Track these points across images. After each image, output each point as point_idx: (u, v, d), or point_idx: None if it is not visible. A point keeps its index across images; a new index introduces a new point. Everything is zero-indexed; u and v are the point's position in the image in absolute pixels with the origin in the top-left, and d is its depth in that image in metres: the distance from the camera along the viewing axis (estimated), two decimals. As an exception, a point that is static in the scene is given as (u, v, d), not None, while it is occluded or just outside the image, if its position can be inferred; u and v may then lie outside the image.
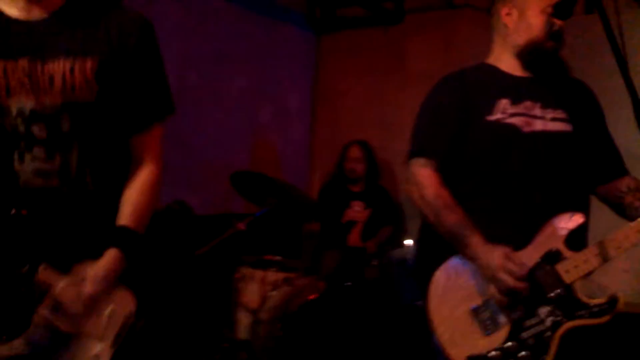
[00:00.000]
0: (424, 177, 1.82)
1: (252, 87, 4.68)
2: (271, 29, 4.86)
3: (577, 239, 1.74)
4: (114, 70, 1.49)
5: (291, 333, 2.71)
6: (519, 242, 1.73)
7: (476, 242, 1.70)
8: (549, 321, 1.67)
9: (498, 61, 1.93)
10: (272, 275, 3.14)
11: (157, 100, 1.60)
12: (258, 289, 3.12)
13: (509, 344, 1.67)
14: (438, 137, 1.87)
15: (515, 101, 1.84)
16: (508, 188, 1.80)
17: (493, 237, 1.72)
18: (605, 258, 1.67)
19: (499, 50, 1.94)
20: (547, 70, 1.90)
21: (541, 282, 1.69)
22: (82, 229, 1.49)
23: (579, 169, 1.84)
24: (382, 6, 4.87)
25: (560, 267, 1.69)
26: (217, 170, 4.14)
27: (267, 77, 4.82)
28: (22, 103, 1.44)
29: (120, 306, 1.46)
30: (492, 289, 1.68)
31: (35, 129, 1.45)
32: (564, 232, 1.72)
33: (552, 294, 1.68)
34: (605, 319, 1.66)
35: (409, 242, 3.51)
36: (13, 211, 1.41)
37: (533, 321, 1.68)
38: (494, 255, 1.66)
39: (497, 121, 1.82)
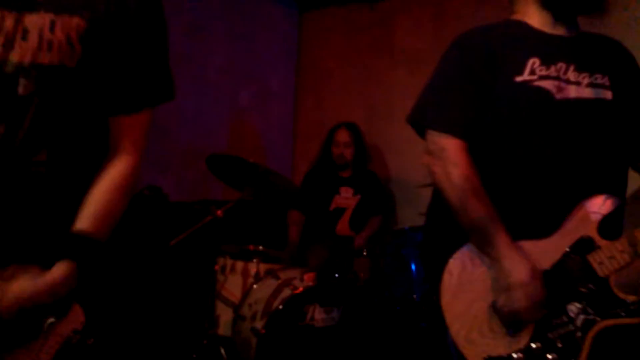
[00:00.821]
0: (452, 151, 1.56)
1: (232, 65, 4.43)
2: (252, 5, 4.60)
3: (612, 226, 1.52)
4: (106, 36, 1.22)
5: (275, 330, 2.47)
6: (546, 227, 1.50)
7: (503, 243, 1.46)
8: (580, 320, 1.45)
9: (525, 16, 1.67)
10: (255, 267, 2.91)
11: (154, 80, 1.33)
12: (240, 281, 2.90)
13: (534, 345, 1.46)
14: (464, 108, 1.59)
15: (546, 62, 1.58)
16: (535, 163, 1.54)
17: (517, 221, 1.50)
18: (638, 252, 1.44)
19: (523, 4, 1.68)
20: (578, 23, 1.65)
21: (571, 275, 1.47)
22: (23, 221, 1.21)
23: (617, 143, 1.60)
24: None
25: (593, 258, 1.47)
26: (193, 154, 3.91)
27: (248, 55, 4.57)
28: None
29: (63, 321, 1.19)
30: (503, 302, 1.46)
31: None
32: (597, 217, 1.49)
33: (583, 289, 1.46)
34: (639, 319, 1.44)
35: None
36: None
37: (561, 320, 1.46)
38: (519, 269, 1.44)
39: (526, 83, 1.56)
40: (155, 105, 1.35)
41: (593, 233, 1.49)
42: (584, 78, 1.59)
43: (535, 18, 1.65)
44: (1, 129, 1.17)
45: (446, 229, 1.62)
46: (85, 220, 1.21)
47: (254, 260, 2.94)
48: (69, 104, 1.22)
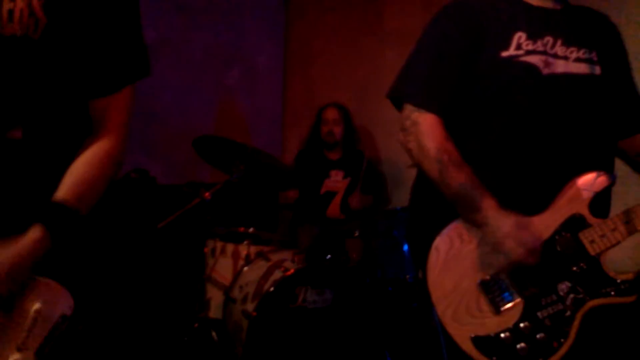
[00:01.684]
0: (426, 125, 1.53)
1: (218, 45, 4.36)
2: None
3: (601, 204, 1.51)
4: (72, 5, 1.16)
5: (266, 313, 2.46)
6: (536, 204, 1.49)
7: (487, 205, 1.44)
8: (569, 299, 1.45)
9: None
10: (245, 249, 2.88)
11: (128, 56, 1.27)
12: (230, 264, 2.87)
13: (522, 324, 1.44)
14: (442, 83, 1.55)
15: (533, 36, 1.55)
16: (523, 140, 1.52)
17: (506, 200, 1.47)
18: (630, 229, 1.44)
19: None
20: None
21: (562, 253, 1.46)
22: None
23: (605, 119, 1.58)
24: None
25: (584, 236, 1.46)
26: (180, 136, 3.86)
27: (234, 34, 4.50)
28: None
29: (51, 306, 1.15)
30: (502, 260, 1.44)
31: None
32: (589, 195, 1.48)
33: (574, 267, 1.46)
34: (633, 297, 1.44)
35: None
36: None
37: (551, 298, 1.45)
38: (506, 222, 1.42)
39: (512, 58, 1.52)
40: (132, 82, 1.30)
41: (584, 211, 1.47)
42: (571, 52, 1.56)
43: None
44: None
45: (431, 206, 1.60)
46: (62, 189, 1.18)
47: (245, 242, 2.91)
48: (39, 80, 1.17)
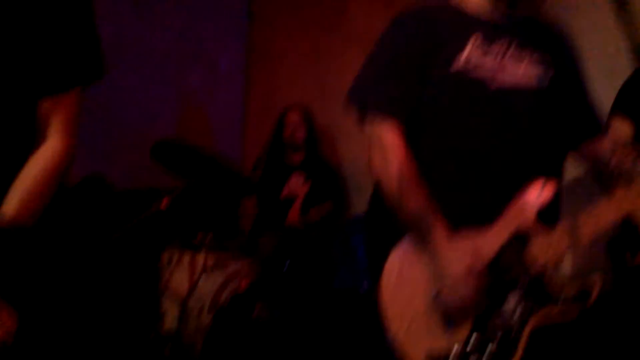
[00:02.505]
0: (389, 143, 1.53)
1: (179, 46, 4.32)
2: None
3: (550, 215, 1.50)
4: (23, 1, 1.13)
5: (222, 325, 2.42)
6: (485, 218, 1.48)
7: (440, 237, 1.45)
8: (518, 310, 1.45)
9: (463, 1, 1.64)
10: (202, 258, 2.84)
11: (80, 56, 1.24)
12: (186, 274, 2.83)
13: (473, 338, 1.44)
14: (401, 91, 1.56)
15: (482, 50, 1.56)
16: (474, 151, 1.54)
17: (456, 214, 1.49)
18: (579, 239, 1.44)
19: None
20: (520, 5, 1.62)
21: (510, 265, 1.46)
22: None
23: (554, 129, 1.59)
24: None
25: (532, 249, 1.46)
26: (139, 139, 3.79)
27: (195, 36, 4.46)
28: None
29: None
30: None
31: None
32: (534, 207, 1.47)
33: (522, 280, 1.46)
34: (575, 313, 1.46)
35: None
36: None
37: (501, 310, 1.45)
38: (456, 259, 1.43)
39: (462, 72, 1.54)
40: (82, 84, 1.26)
41: (531, 224, 1.47)
42: (521, 65, 1.57)
43: (473, 1, 1.62)
44: None
45: (387, 221, 1.58)
46: (8, 205, 1.16)
47: (202, 251, 2.88)
48: None
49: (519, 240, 1.46)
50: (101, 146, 3.71)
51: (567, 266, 1.51)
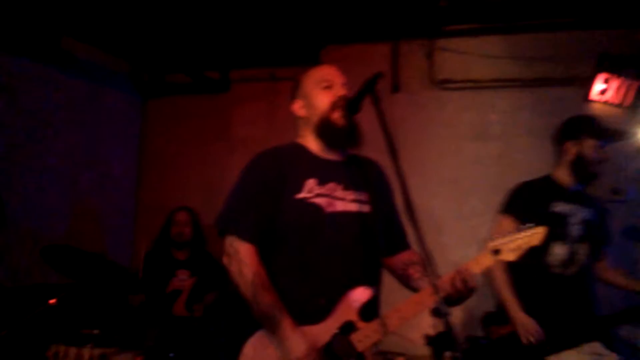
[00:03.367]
0: (244, 253, 1.93)
1: (73, 151, 4.53)
2: (96, 93, 4.79)
3: (369, 310, 1.93)
4: None
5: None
6: (320, 313, 1.89)
7: (286, 326, 1.82)
8: None
9: (306, 142, 2.12)
10: (88, 352, 3.00)
11: None
12: None
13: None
14: (254, 218, 1.97)
15: (321, 182, 2.02)
16: (312, 262, 1.95)
17: (299, 311, 1.86)
18: (388, 329, 1.87)
19: (304, 134, 2.14)
20: (347, 149, 2.11)
21: (337, 351, 1.85)
22: None
23: (373, 244, 2.04)
24: (207, 76, 5.03)
25: (354, 337, 1.87)
26: (29, 239, 3.92)
27: (89, 142, 4.71)
28: None
29: None
30: None
31: None
32: (357, 305, 1.91)
33: None
34: None
35: None
36: None
37: None
38: (298, 347, 1.80)
39: (304, 200, 1.98)
40: None
41: (355, 317, 1.90)
42: (349, 195, 2.06)
43: (313, 144, 2.12)
44: None
45: (242, 318, 1.94)
46: None
47: (88, 346, 3.02)
48: None
49: (346, 330, 1.87)
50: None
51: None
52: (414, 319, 1.88)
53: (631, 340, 2.90)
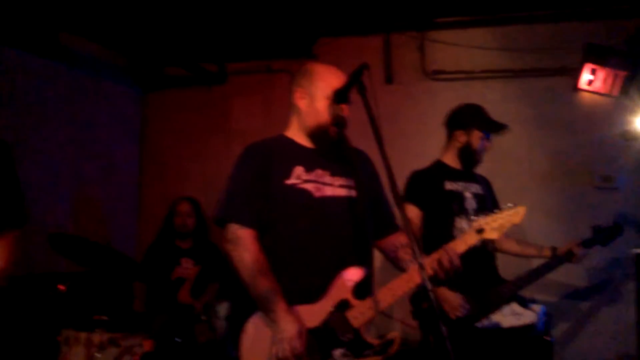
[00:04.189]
0: (245, 240, 2.05)
1: (75, 141, 4.62)
2: (95, 86, 4.87)
3: (363, 289, 2.06)
4: None
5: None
6: (316, 291, 2.02)
7: (279, 308, 1.95)
8: None
9: (294, 135, 2.24)
10: (98, 337, 3.10)
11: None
12: (83, 352, 3.07)
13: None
14: (253, 205, 2.09)
15: (308, 169, 2.15)
16: (304, 244, 2.08)
17: (294, 288, 2.00)
18: (381, 306, 1.99)
19: (294, 126, 2.26)
20: (333, 144, 2.22)
21: (334, 328, 1.99)
22: None
23: (362, 227, 2.16)
24: (205, 68, 5.12)
25: (349, 314, 2.01)
26: (36, 228, 4.03)
27: (91, 134, 4.80)
28: None
29: None
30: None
31: None
32: (351, 284, 2.04)
33: (343, 338, 1.98)
34: (381, 357, 1.99)
35: None
36: None
37: None
38: (288, 327, 1.92)
39: (293, 185, 2.11)
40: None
41: (349, 296, 2.03)
42: (336, 180, 2.18)
43: (302, 138, 2.24)
44: None
45: (246, 299, 2.06)
46: None
47: (97, 330, 3.13)
48: None
49: (341, 308, 2.01)
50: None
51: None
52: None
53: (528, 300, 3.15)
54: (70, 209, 4.54)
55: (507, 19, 4.60)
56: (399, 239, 2.27)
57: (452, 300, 2.91)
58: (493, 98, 4.66)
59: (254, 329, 2.02)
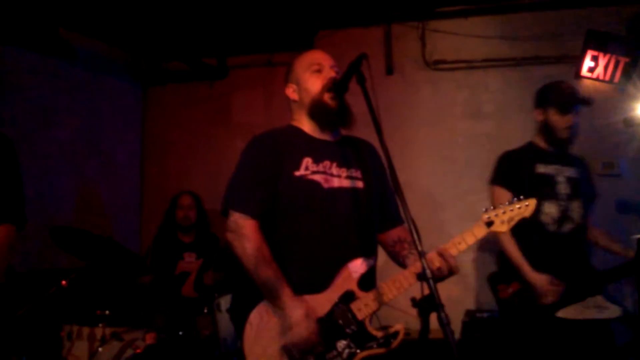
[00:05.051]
0: (247, 229, 2.03)
1: (78, 137, 4.64)
2: (96, 82, 4.87)
3: (367, 281, 2.06)
4: None
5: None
6: (321, 284, 2.01)
7: (285, 295, 1.94)
8: (345, 353, 1.95)
9: (300, 124, 2.22)
10: (101, 331, 3.12)
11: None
12: (86, 346, 3.09)
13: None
14: (257, 195, 2.07)
15: (315, 161, 2.13)
16: (313, 235, 2.06)
17: (301, 278, 1.99)
18: (385, 298, 1.99)
19: (298, 116, 2.24)
20: (339, 129, 2.22)
21: (339, 319, 1.98)
22: None
23: (368, 218, 2.15)
24: (205, 63, 5.11)
25: (354, 306, 1.99)
26: (39, 225, 4.03)
27: (93, 127, 4.81)
28: None
29: None
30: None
31: None
32: (356, 276, 2.03)
33: (348, 330, 1.98)
34: (384, 349, 1.98)
35: None
36: None
37: (333, 354, 1.95)
38: (295, 312, 1.92)
39: (302, 177, 2.09)
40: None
41: (354, 287, 2.02)
42: (343, 172, 2.17)
43: (307, 125, 2.22)
44: None
45: (247, 290, 2.06)
46: None
47: (100, 325, 3.15)
48: None
49: (346, 299, 2.00)
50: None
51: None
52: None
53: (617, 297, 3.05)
54: (73, 206, 4.55)
55: (508, 7, 4.58)
56: (401, 234, 2.26)
57: (542, 284, 2.86)
58: (494, 87, 4.66)
59: (259, 319, 2.01)
